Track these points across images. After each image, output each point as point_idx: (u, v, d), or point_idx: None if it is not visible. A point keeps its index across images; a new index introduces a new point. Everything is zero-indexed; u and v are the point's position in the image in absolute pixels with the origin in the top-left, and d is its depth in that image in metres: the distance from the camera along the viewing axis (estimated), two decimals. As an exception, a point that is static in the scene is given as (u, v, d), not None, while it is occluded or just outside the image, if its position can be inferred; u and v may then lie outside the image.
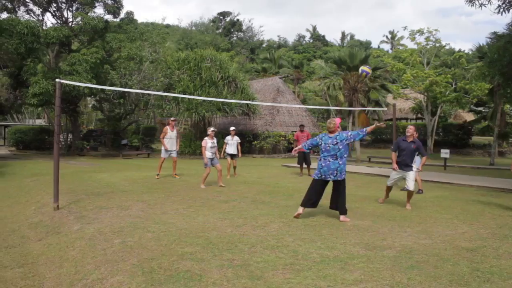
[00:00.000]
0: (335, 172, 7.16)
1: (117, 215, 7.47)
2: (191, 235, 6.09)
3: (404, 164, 8.68)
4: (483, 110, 32.58)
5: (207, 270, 4.64)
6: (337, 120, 7.53)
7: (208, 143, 11.30)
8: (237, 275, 4.48)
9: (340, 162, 7.16)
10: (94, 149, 27.45)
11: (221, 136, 25.32)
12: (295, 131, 28.09)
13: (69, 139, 28.61)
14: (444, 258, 5.08)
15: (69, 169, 15.70)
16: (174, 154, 13.50)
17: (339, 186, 7.33)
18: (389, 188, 9.06)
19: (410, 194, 8.59)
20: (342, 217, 7.17)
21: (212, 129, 11.56)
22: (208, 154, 11.29)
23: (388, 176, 9.26)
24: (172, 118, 14.08)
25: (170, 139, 13.36)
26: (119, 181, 12.26)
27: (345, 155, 7.25)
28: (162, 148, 13.40)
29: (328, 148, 7.21)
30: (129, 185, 11.44)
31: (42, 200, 9.42)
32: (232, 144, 13.92)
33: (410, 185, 8.49)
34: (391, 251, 5.37)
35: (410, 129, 8.83)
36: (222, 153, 13.88)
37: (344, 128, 30.90)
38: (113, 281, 4.48)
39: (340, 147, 7.15)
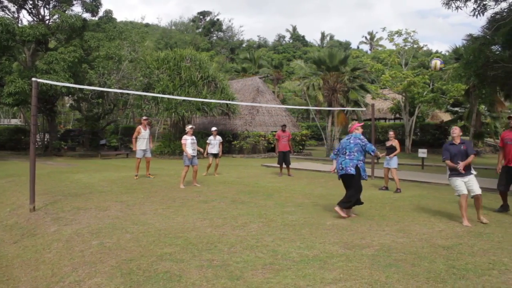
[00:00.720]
0: (341, 166, 7.57)
1: (95, 216, 7.38)
2: (170, 235, 6.05)
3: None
4: (460, 111, 33.13)
5: (186, 270, 4.62)
6: (356, 124, 8.14)
7: (188, 139, 11.34)
8: (216, 275, 4.48)
9: (346, 157, 7.55)
10: (71, 149, 27.10)
11: (200, 136, 25.28)
12: (275, 131, 28.22)
13: (46, 139, 28.17)
14: (421, 256, 5.15)
15: (46, 170, 15.45)
16: (148, 154, 13.43)
17: (346, 181, 7.69)
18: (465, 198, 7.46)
19: (480, 199, 7.35)
20: (336, 207, 7.54)
21: (190, 126, 11.67)
22: (189, 151, 11.29)
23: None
24: (144, 117, 13.96)
25: (143, 139, 13.26)
26: (97, 182, 12.11)
27: (357, 155, 7.57)
28: (138, 148, 13.27)
29: (342, 145, 7.86)
30: (107, 186, 11.31)
31: (17, 202, 9.25)
32: (214, 144, 14.26)
33: (476, 188, 7.33)
34: (369, 249, 5.42)
35: (456, 130, 7.89)
36: (205, 152, 14.08)
37: (323, 128, 31.11)
38: (91, 283, 4.42)
39: (351, 143, 7.67)
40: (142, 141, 13.23)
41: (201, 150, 11.95)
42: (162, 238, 5.90)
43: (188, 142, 11.33)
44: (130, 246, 5.53)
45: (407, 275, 4.46)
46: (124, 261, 4.97)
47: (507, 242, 5.86)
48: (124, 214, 7.59)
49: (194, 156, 11.51)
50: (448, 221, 7.26)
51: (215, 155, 14.38)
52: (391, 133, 11.63)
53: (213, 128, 14.70)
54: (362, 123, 8.19)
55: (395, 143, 11.31)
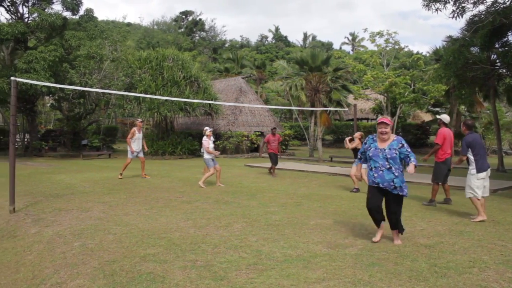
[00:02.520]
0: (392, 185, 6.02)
1: (77, 217, 7.30)
2: (153, 236, 6.02)
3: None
4: (440, 111, 33.62)
5: (170, 271, 4.60)
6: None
7: (210, 143, 11.65)
8: (200, 276, 4.46)
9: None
10: (53, 150, 26.67)
11: (183, 136, 25.16)
12: (258, 131, 28.31)
13: (26, 140, 27.71)
14: (403, 254, 5.22)
15: (26, 171, 15.22)
16: (141, 155, 13.57)
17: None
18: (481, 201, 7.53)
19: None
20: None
21: (210, 129, 11.94)
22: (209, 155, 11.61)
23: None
24: (140, 120, 14.16)
25: (137, 140, 13.41)
26: (79, 182, 11.98)
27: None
28: (129, 148, 13.30)
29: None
30: (89, 187, 11.20)
31: (-3, 203, 9.09)
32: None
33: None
34: (352, 249, 5.47)
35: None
36: None
37: (306, 128, 31.23)
38: (73, 285, 4.37)
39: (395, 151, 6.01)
40: (136, 142, 13.37)
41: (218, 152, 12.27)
42: (145, 239, 5.86)
43: (211, 146, 11.65)
44: (113, 247, 5.49)
45: (390, 274, 4.51)
46: (107, 262, 4.93)
47: (487, 240, 5.96)
48: (106, 215, 7.53)
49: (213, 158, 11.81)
50: (429, 220, 7.36)
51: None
52: (357, 134, 11.30)
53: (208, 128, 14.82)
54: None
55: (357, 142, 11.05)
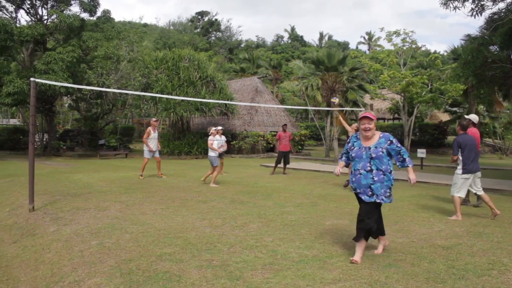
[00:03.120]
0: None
1: (94, 216, 7.37)
2: (169, 235, 6.05)
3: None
4: (458, 111, 33.21)
5: (186, 270, 4.62)
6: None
7: (214, 141, 12.08)
8: (216, 275, 4.47)
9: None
10: (70, 149, 27.05)
11: (199, 136, 25.25)
12: (274, 131, 28.26)
13: (44, 139, 28.15)
14: (420, 256, 5.16)
15: (45, 170, 15.43)
16: (157, 154, 13.58)
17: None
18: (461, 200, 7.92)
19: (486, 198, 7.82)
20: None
21: (219, 128, 12.56)
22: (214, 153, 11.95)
23: None
24: (154, 119, 14.05)
25: (153, 139, 13.38)
26: (96, 182, 12.11)
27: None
28: (145, 149, 13.34)
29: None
30: (106, 186, 11.31)
31: (16, 202, 9.23)
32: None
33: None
34: (369, 250, 5.42)
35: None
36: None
37: (322, 128, 31.10)
38: (90, 283, 4.42)
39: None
40: (152, 142, 13.34)
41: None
42: (162, 238, 5.90)
43: (215, 143, 12.10)
44: (130, 246, 5.53)
45: (407, 275, 4.46)
46: (124, 261, 4.97)
47: (507, 242, 5.86)
48: (123, 214, 7.59)
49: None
50: (447, 221, 7.27)
51: (221, 155, 14.58)
52: (354, 125, 11.32)
53: (219, 127, 14.89)
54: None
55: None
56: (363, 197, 5.10)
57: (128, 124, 40.29)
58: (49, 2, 25.02)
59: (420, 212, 8.12)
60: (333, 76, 27.58)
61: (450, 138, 33.84)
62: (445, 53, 42.48)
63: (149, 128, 13.49)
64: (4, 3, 24.54)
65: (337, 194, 10.39)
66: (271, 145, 28.07)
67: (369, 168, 5.06)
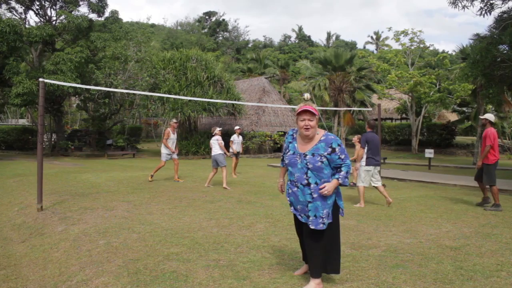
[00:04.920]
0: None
1: (102, 216, 7.41)
2: (176, 235, 6.06)
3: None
4: (466, 111, 32.98)
5: (193, 270, 4.62)
6: None
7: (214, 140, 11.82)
8: (223, 275, 4.48)
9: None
10: (78, 149, 27.20)
11: (206, 136, 25.30)
12: (281, 131, 28.25)
13: (53, 139, 28.32)
14: (428, 256, 5.13)
15: (53, 170, 15.52)
16: (175, 156, 13.12)
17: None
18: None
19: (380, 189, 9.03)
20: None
21: (236, 127, 12.42)
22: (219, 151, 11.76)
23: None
24: (175, 121, 13.56)
25: (172, 141, 13.08)
26: (104, 182, 12.16)
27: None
28: (164, 151, 12.95)
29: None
30: (114, 186, 11.35)
31: (25, 201, 9.29)
32: (237, 142, 14.79)
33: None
34: (376, 250, 5.41)
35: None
36: (229, 152, 14.11)
37: (329, 129, 31.02)
38: (98, 283, 4.44)
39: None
40: (171, 144, 13.04)
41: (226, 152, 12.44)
42: (169, 238, 5.91)
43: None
44: (137, 246, 5.55)
45: (414, 276, 4.44)
46: (131, 260, 4.99)
47: (515, 243, 5.82)
48: (130, 214, 7.62)
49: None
50: (455, 221, 7.22)
51: (237, 154, 14.81)
52: (355, 138, 11.69)
53: (236, 127, 14.99)
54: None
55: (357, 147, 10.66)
56: (299, 219, 4.14)
57: (136, 124, 40.45)
58: (57, 3, 25.19)
59: (428, 212, 8.08)
60: (340, 76, 27.56)
61: (459, 138, 33.62)
62: (454, 53, 42.20)
63: (168, 129, 13.12)
64: (13, 4, 24.77)
65: (344, 194, 10.36)
66: (278, 145, 28.05)
67: (306, 182, 3.99)
